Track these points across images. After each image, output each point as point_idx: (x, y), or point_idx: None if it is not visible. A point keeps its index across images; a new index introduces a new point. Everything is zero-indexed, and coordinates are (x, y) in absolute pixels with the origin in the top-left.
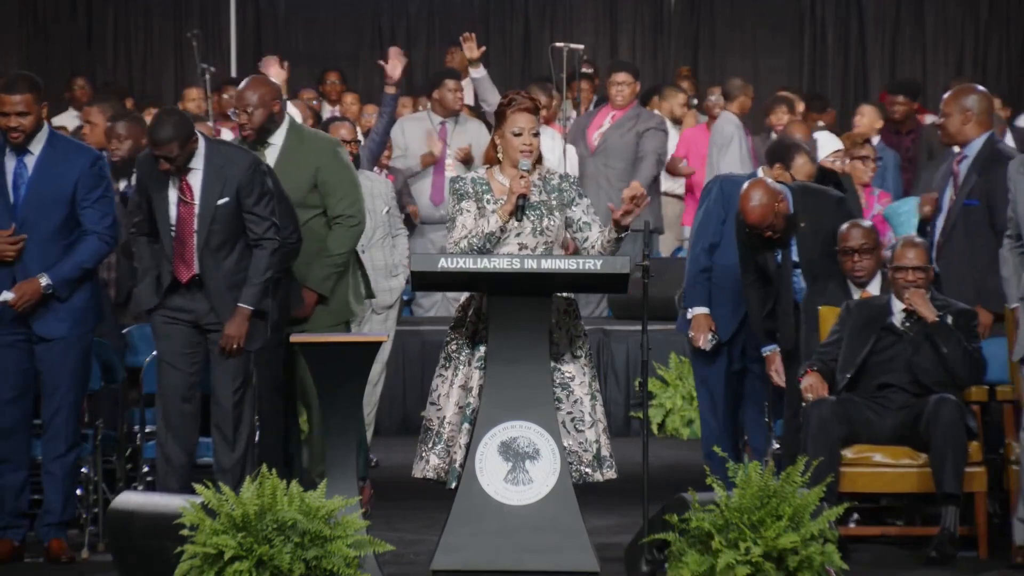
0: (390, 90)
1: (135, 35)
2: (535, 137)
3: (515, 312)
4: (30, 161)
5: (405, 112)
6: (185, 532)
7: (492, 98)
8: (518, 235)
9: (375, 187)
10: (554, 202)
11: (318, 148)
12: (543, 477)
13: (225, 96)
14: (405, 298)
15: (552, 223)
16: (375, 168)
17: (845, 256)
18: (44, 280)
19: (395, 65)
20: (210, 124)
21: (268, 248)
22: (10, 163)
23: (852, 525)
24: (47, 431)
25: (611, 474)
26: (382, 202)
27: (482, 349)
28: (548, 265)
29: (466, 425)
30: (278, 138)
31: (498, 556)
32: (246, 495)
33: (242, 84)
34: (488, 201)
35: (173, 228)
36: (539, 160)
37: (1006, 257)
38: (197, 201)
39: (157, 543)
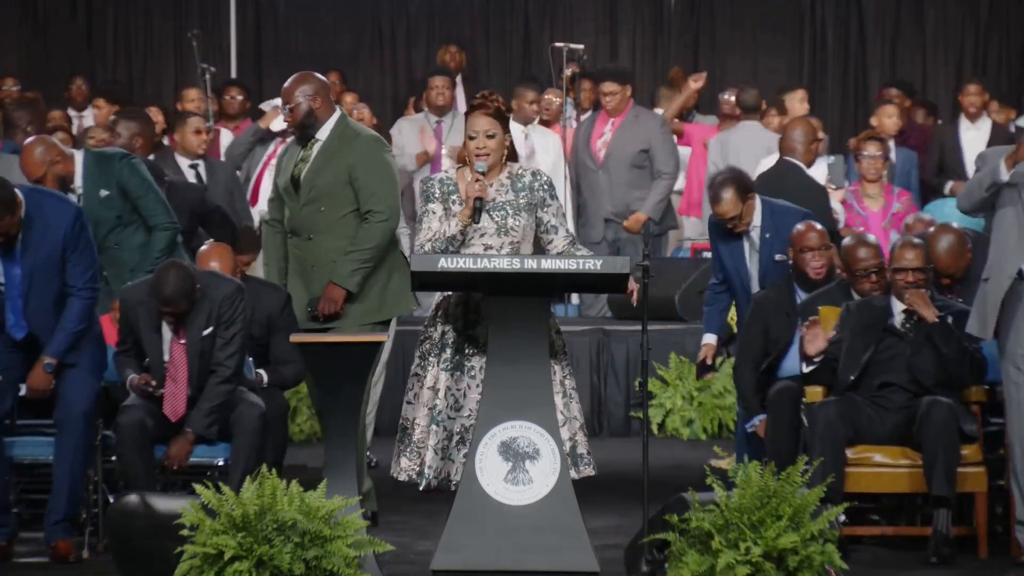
0: None
1: (135, 35)
2: (489, 139)
3: (515, 312)
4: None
5: (407, 113)
6: (185, 532)
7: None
8: (482, 236)
9: None
10: (522, 201)
11: (355, 145)
12: (543, 477)
13: (227, 97)
14: None
15: (518, 223)
16: None
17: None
18: (47, 360)
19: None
20: (210, 124)
21: (222, 376)
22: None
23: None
24: (61, 430)
25: (588, 471)
26: None
27: (448, 351)
28: (548, 265)
29: (433, 427)
30: (324, 133)
31: (498, 556)
32: (246, 495)
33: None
34: (454, 202)
35: (166, 365)
36: (512, 158)
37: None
38: (187, 340)
39: (157, 543)
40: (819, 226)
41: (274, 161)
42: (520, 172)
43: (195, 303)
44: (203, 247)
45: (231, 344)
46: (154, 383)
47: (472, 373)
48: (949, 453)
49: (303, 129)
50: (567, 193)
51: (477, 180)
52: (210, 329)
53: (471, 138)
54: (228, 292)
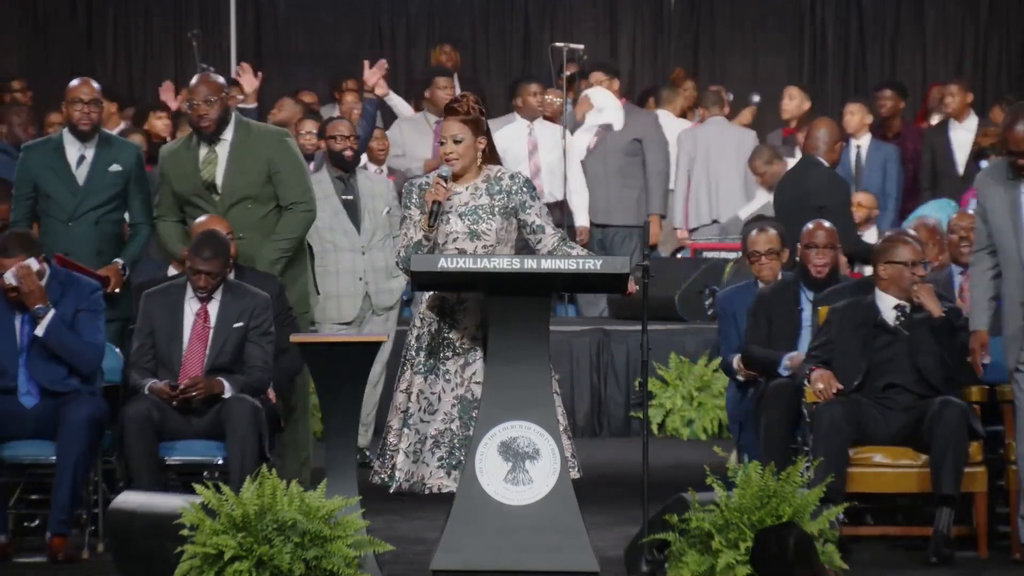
0: (369, 96)
1: (135, 35)
2: (456, 144)
3: (515, 312)
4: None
5: (407, 112)
6: (185, 532)
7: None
8: (455, 240)
9: (375, 187)
10: (497, 204)
11: (267, 140)
12: (543, 477)
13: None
14: (405, 298)
15: (490, 227)
16: (375, 168)
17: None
18: (44, 324)
19: (372, 73)
20: None
21: (259, 372)
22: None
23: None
24: (65, 433)
25: (572, 474)
26: (382, 202)
27: (422, 355)
28: (548, 265)
29: (405, 430)
30: (228, 133)
31: (498, 556)
32: (246, 495)
33: (195, 81)
34: None
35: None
36: (492, 161)
37: (977, 278)
38: (212, 325)
39: (157, 543)
40: (828, 224)
41: None
42: (498, 175)
43: (224, 278)
44: (200, 219)
45: (266, 351)
46: (177, 385)
47: (447, 376)
48: (958, 453)
49: (219, 124)
50: (565, 190)
51: (437, 184)
52: (241, 324)
53: (441, 143)
54: (262, 301)
